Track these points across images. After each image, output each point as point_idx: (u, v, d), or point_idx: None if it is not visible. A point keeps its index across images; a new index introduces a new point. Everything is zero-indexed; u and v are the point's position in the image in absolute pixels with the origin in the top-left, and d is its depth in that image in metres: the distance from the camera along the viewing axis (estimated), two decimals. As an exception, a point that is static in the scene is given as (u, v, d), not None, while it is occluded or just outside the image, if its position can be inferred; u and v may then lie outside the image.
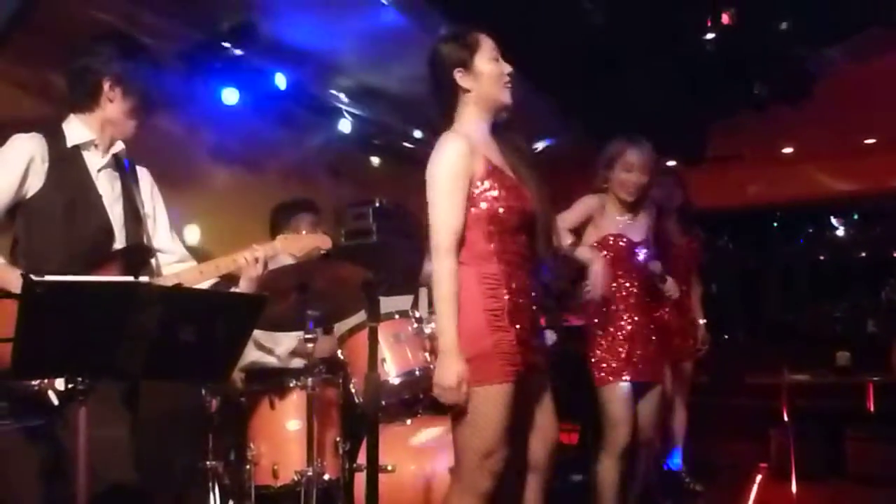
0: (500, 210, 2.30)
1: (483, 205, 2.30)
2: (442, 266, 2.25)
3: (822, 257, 8.99)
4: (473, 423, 2.23)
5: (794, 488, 4.41)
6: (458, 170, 2.28)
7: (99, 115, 2.49)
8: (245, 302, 2.10)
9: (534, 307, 2.39)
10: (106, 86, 2.47)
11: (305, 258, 3.02)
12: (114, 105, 2.48)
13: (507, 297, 2.28)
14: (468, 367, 2.20)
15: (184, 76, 3.86)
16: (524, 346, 2.28)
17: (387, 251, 4.26)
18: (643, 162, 3.43)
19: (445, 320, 2.23)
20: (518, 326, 2.27)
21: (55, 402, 2.19)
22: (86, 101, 2.49)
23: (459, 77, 2.38)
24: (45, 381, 2.18)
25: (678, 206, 4.52)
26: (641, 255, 3.49)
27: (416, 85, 4.56)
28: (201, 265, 2.63)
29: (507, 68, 2.42)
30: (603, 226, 3.49)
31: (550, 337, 4.41)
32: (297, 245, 2.86)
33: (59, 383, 2.18)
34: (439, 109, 2.45)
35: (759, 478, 5.10)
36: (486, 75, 2.39)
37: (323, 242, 2.94)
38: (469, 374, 2.20)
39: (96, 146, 2.50)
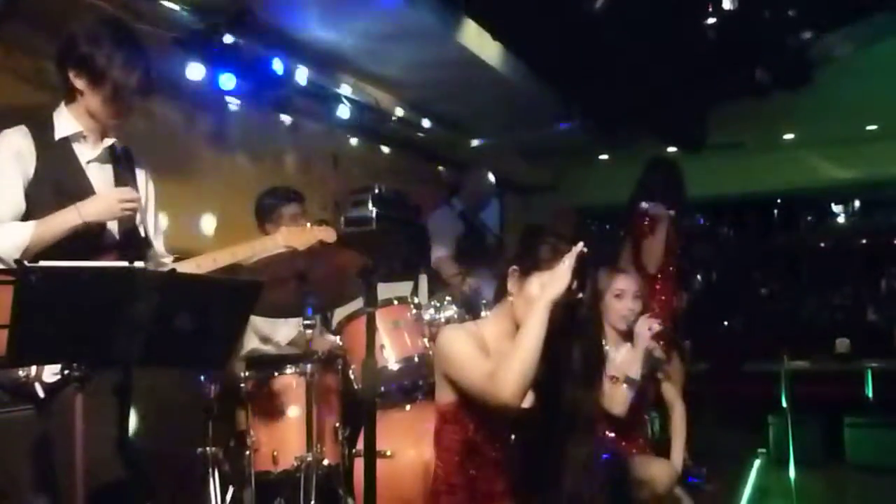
0: None
1: None
2: None
3: (822, 244, 8.98)
4: None
5: (792, 475, 4.41)
6: None
7: (81, 104, 2.36)
8: (241, 288, 2.08)
9: None
10: (71, 75, 2.33)
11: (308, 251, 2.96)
12: (86, 95, 2.33)
13: None
14: None
15: (181, 62, 3.83)
16: None
17: (387, 238, 4.24)
18: None
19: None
20: None
21: (41, 394, 2.15)
22: (66, 91, 2.37)
23: None
24: (33, 373, 2.14)
25: None
26: None
27: (416, 71, 4.59)
28: (215, 253, 2.54)
29: None
30: None
31: None
32: (300, 239, 2.79)
33: (47, 375, 2.14)
34: None
35: (757, 464, 5.11)
36: None
37: (327, 235, 2.87)
38: None
39: (85, 137, 2.39)
